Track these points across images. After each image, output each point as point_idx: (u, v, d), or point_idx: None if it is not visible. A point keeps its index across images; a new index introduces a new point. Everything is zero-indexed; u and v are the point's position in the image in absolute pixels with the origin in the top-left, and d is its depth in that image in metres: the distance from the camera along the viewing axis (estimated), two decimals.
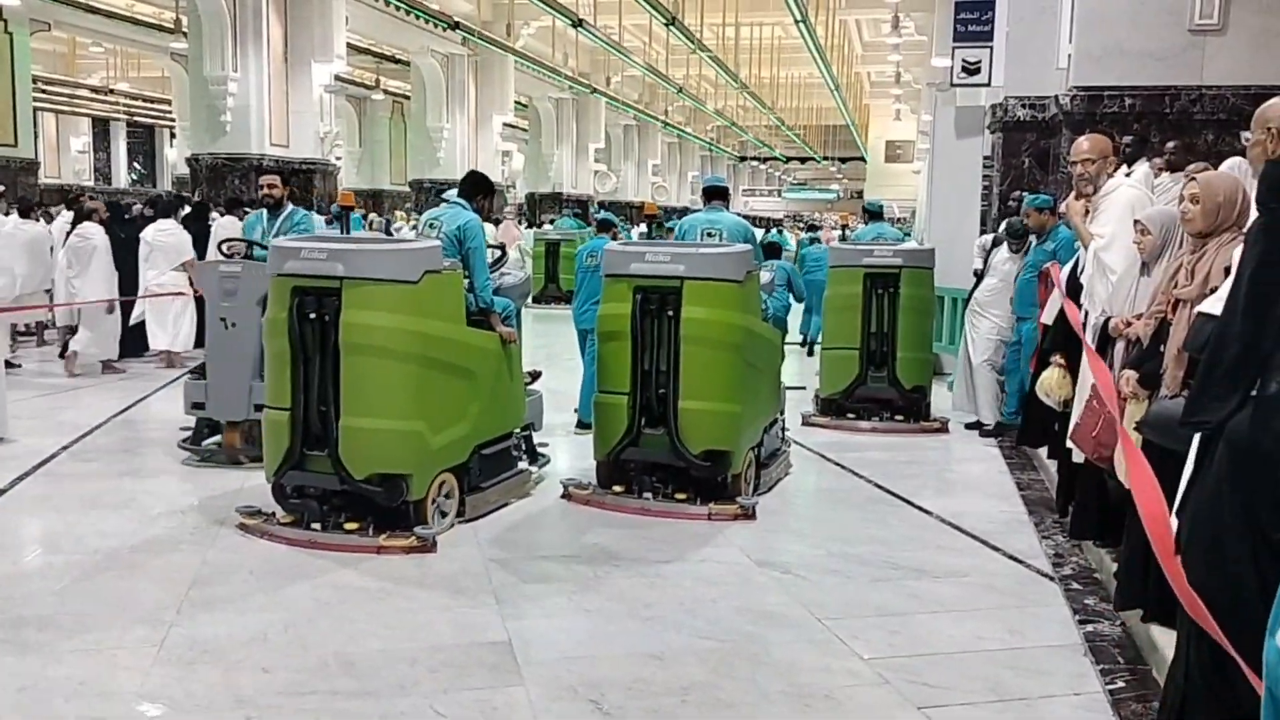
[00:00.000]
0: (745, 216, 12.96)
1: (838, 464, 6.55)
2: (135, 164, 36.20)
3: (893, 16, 22.62)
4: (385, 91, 28.35)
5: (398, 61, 25.26)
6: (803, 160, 51.06)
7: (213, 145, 17.21)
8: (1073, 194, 4.93)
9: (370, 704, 3.18)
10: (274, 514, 4.85)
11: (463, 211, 5.44)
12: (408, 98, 26.50)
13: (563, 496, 5.51)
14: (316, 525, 4.74)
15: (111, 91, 29.91)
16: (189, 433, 6.38)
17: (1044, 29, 9.62)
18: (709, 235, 6.32)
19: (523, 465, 5.64)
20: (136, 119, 33.34)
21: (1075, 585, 4.36)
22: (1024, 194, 8.72)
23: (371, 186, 29.72)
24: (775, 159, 50.67)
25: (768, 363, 5.90)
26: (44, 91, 25.82)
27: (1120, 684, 3.42)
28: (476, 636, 3.71)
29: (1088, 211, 4.72)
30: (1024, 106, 9.66)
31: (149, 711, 3.14)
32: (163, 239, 9.66)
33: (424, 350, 4.67)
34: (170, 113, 28.49)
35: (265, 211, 6.74)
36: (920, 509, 5.58)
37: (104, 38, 23.81)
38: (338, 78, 19.25)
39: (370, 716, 3.10)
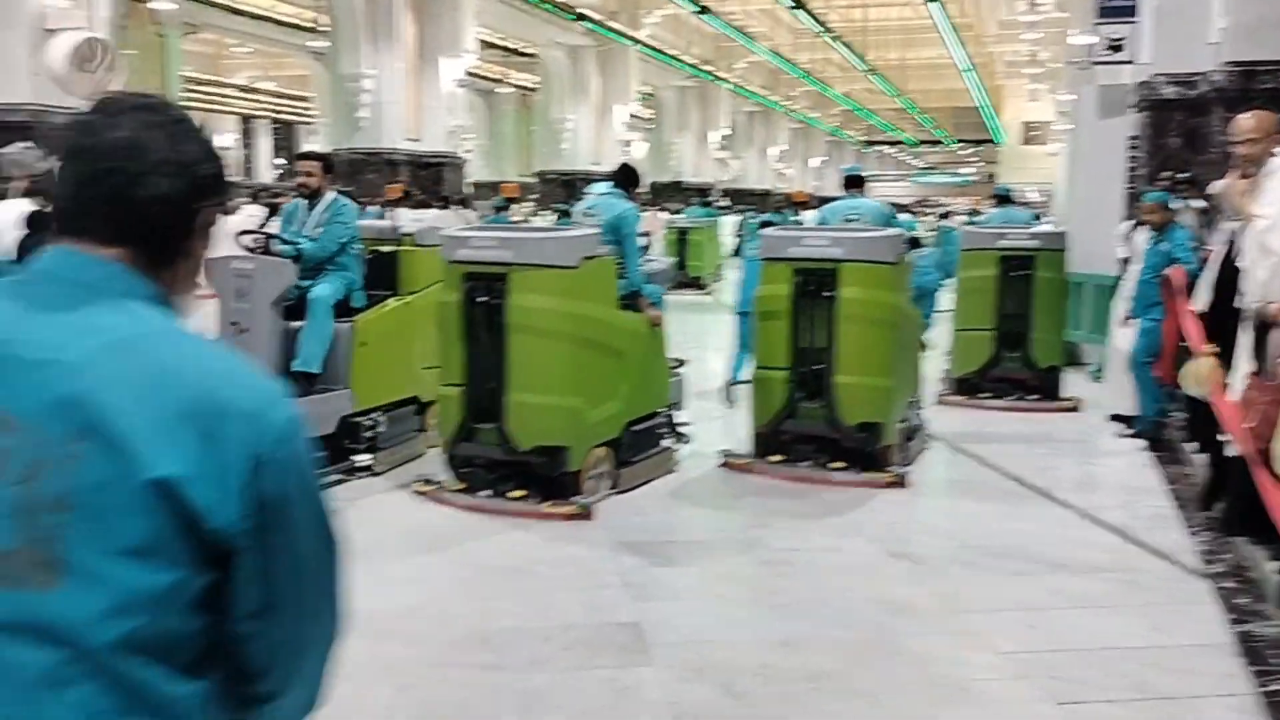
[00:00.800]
0: None
1: (973, 455, 6.39)
2: (277, 160, 37.79)
3: None
4: (511, 85, 28.89)
5: (524, 55, 25.69)
6: (932, 144, 49.84)
7: (350, 140, 17.84)
8: (1232, 174, 4.68)
9: (506, 677, 3.27)
10: (443, 483, 5.14)
11: (618, 201, 5.70)
12: (533, 90, 26.95)
13: (721, 465, 5.78)
14: (486, 492, 5.02)
15: (256, 90, 31.31)
16: None
17: (1193, 2, 9.13)
18: (849, 221, 6.60)
19: (667, 443, 5.79)
20: (280, 116, 34.81)
21: (1227, 583, 4.16)
22: (1173, 175, 8.32)
23: (497, 178, 30.34)
24: (903, 143, 49.59)
25: (913, 341, 6.19)
26: (193, 91, 27.22)
27: (1277, 686, 3.25)
28: (606, 617, 3.78)
29: (1248, 192, 4.47)
30: (1172, 84, 9.18)
31: None
32: None
33: (582, 331, 4.97)
34: (310, 109, 29.69)
35: (303, 201, 5.76)
36: (1059, 502, 5.40)
37: (248, 38, 24.93)
38: (467, 72, 19.70)
39: (507, 689, 3.19)
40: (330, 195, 5.68)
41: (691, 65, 26.76)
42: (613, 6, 24.30)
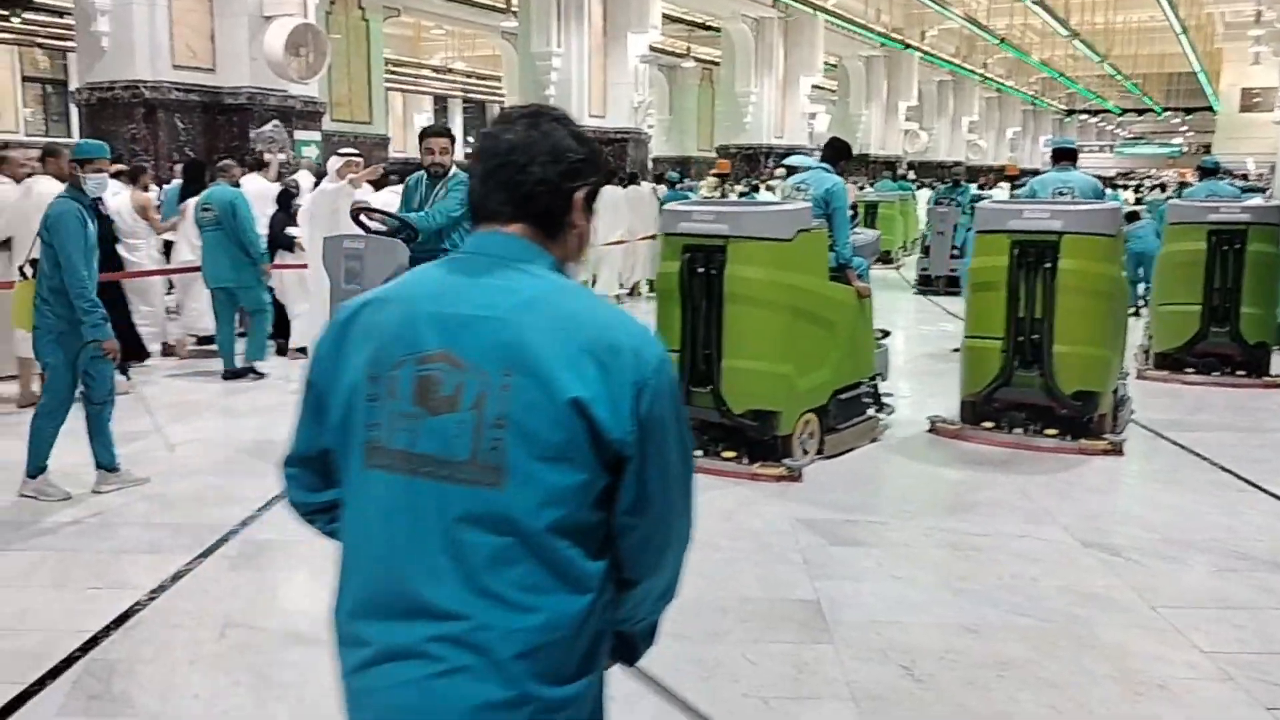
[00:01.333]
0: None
1: (1175, 440, 6.03)
2: (469, 139, 39.21)
3: None
4: (695, 59, 28.86)
5: (708, 28, 25.62)
6: (1139, 112, 46.69)
7: None
8: None
9: (686, 646, 3.33)
10: None
11: (827, 175, 5.95)
12: (717, 64, 26.84)
13: (929, 430, 6.01)
14: (698, 452, 5.14)
15: (450, 71, 32.50)
16: None
17: None
18: (1060, 194, 6.77)
19: (872, 412, 5.93)
20: (470, 95, 36.03)
21: None
22: None
23: (679, 153, 30.43)
24: (1108, 111, 46.68)
25: (1124, 312, 6.27)
26: (393, 73, 28.48)
27: None
28: (785, 593, 3.79)
29: None
30: None
31: None
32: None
33: (795, 302, 5.20)
34: (500, 88, 30.60)
35: (424, 175, 5.52)
36: (1269, 493, 5.04)
37: (445, 20, 25.88)
38: (651, 48, 19.82)
39: (686, 658, 3.25)
40: (452, 171, 5.52)
41: (880, 34, 26.00)
42: None
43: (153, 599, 3.70)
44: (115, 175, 8.44)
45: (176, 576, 3.90)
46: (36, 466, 4.75)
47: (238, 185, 8.10)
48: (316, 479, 1.50)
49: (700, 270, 5.17)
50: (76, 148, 4.99)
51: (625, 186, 13.75)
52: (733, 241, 5.10)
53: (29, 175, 7.25)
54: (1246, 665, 3.23)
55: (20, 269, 5.21)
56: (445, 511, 1.32)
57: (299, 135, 11.96)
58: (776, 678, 3.16)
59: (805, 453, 5.28)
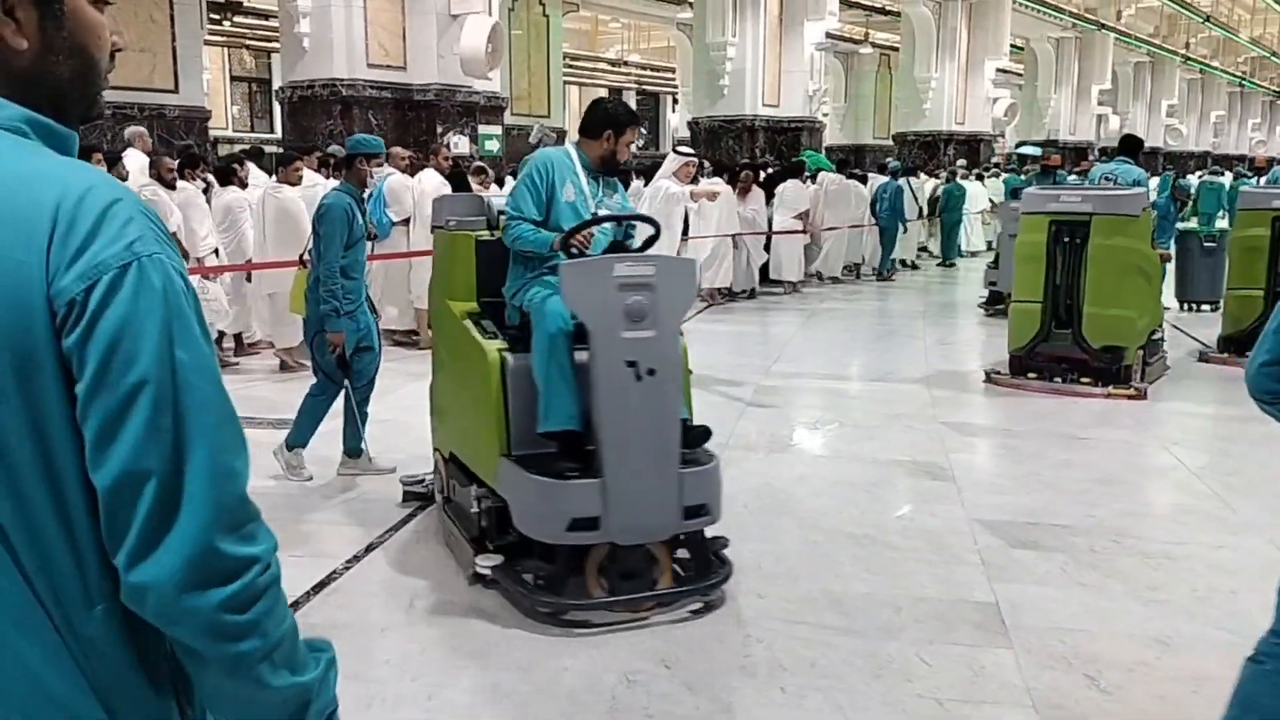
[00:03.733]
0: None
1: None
2: (641, 130, 39.62)
3: None
4: (873, 44, 28.23)
5: (888, 13, 25.01)
6: None
7: (711, 109, 18.33)
8: None
9: (858, 642, 3.31)
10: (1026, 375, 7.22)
11: (1131, 167, 8.20)
12: (896, 49, 26.17)
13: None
14: (1058, 380, 7.07)
15: (625, 63, 32.93)
16: None
17: None
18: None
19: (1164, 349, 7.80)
20: (644, 87, 36.39)
21: None
22: None
23: (855, 141, 29.85)
24: None
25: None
26: (570, 67, 29.08)
27: None
28: (962, 594, 3.70)
29: None
30: None
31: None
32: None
33: (1137, 262, 6.93)
34: (671, 80, 30.79)
35: (578, 164, 3.89)
36: None
37: (622, 13, 26.23)
38: (828, 34, 19.52)
39: (858, 654, 3.23)
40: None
41: (1072, 14, 24.75)
42: None
43: (349, 568, 3.94)
44: (320, 168, 9.04)
45: (370, 548, 4.14)
46: (298, 440, 4.97)
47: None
48: None
49: (1066, 239, 6.86)
50: (354, 143, 5.11)
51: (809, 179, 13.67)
52: (1096, 218, 6.75)
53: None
54: None
55: (300, 257, 5.66)
56: None
57: (482, 129, 12.39)
58: (952, 680, 3.09)
59: (1143, 379, 7.04)
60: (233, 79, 28.00)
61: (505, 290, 3.91)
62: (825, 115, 22.84)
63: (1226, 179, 18.65)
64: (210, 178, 8.51)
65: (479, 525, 3.73)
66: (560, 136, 16.57)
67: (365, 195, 5.12)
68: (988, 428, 6.43)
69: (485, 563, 3.63)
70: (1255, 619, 3.49)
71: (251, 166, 9.02)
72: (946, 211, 17.18)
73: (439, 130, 11.76)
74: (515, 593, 3.53)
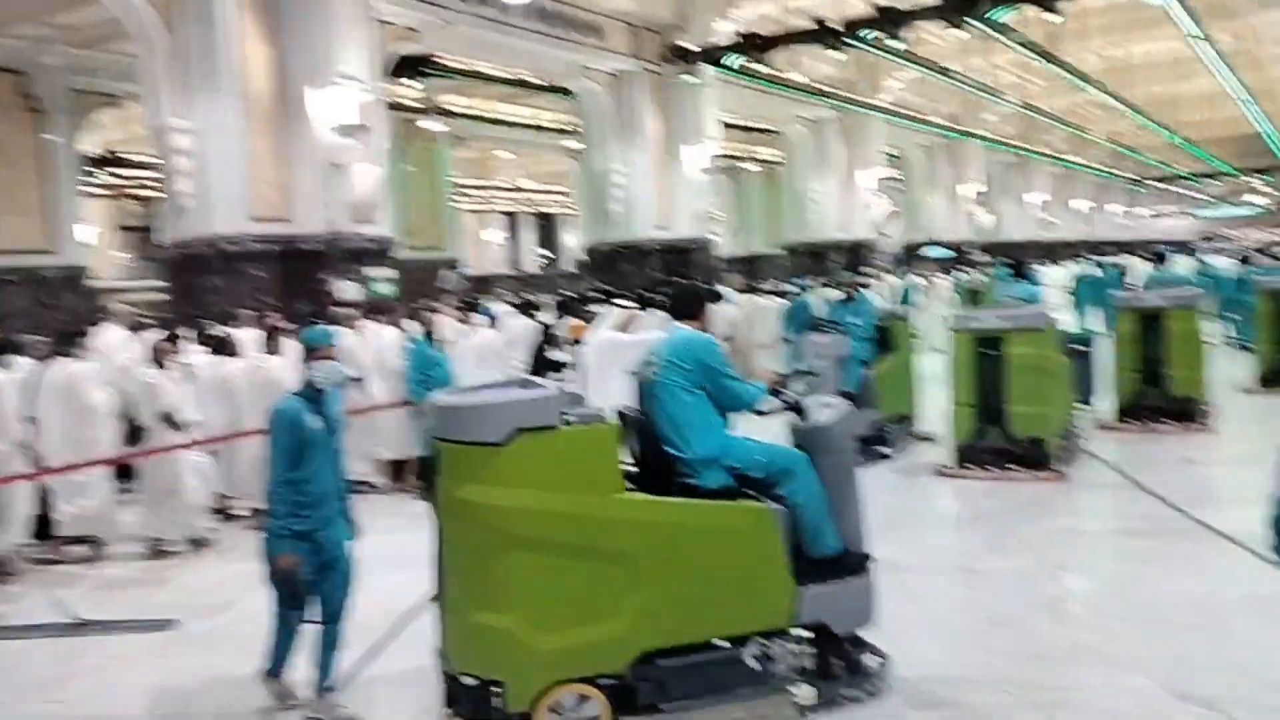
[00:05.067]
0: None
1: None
2: (542, 250, 40.05)
3: None
4: (755, 160, 29.25)
5: (767, 131, 26.00)
6: (1213, 176, 45.77)
7: (604, 234, 18.64)
8: None
9: None
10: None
11: (1027, 285, 11.09)
12: (779, 164, 27.15)
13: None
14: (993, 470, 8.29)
15: (519, 188, 33.48)
16: None
17: None
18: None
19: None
20: (540, 210, 37.01)
21: None
22: None
23: (746, 252, 30.65)
24: (1182, 178, 45.88)
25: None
26: (462, 193, 29.41)
27: None
28: None
29: None
30: None
31: None
32: None
33: (1050, 364, 8.35)
34: (569, 201, 31.38)
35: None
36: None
37: (509, 145, 26.76)
38: (714, 155, 20.15)
39: None
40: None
41: (939, 125, 26.09)
42: (852, 75, 24.23)
43: None
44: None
45: None
46: (273, 669, 4.43)
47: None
48: None
49: (987, 351, 8.34)
50: (301, 335, 4.69)
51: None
52: (1009, 333, 8.31)
53: None
54: None
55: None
56: None
57: (371, 271, 12.31)
58: None
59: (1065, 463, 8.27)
60: (121, 229, 27.65)
61: (698, 453, 4.08)
62: (716, 233, 23.48)
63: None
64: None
65: (790, 668, 4.03)
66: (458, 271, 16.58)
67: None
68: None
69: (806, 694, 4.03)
70: None
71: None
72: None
73: (324, 278, 11.68)
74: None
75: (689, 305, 4.47)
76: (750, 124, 25.33)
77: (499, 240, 36.99)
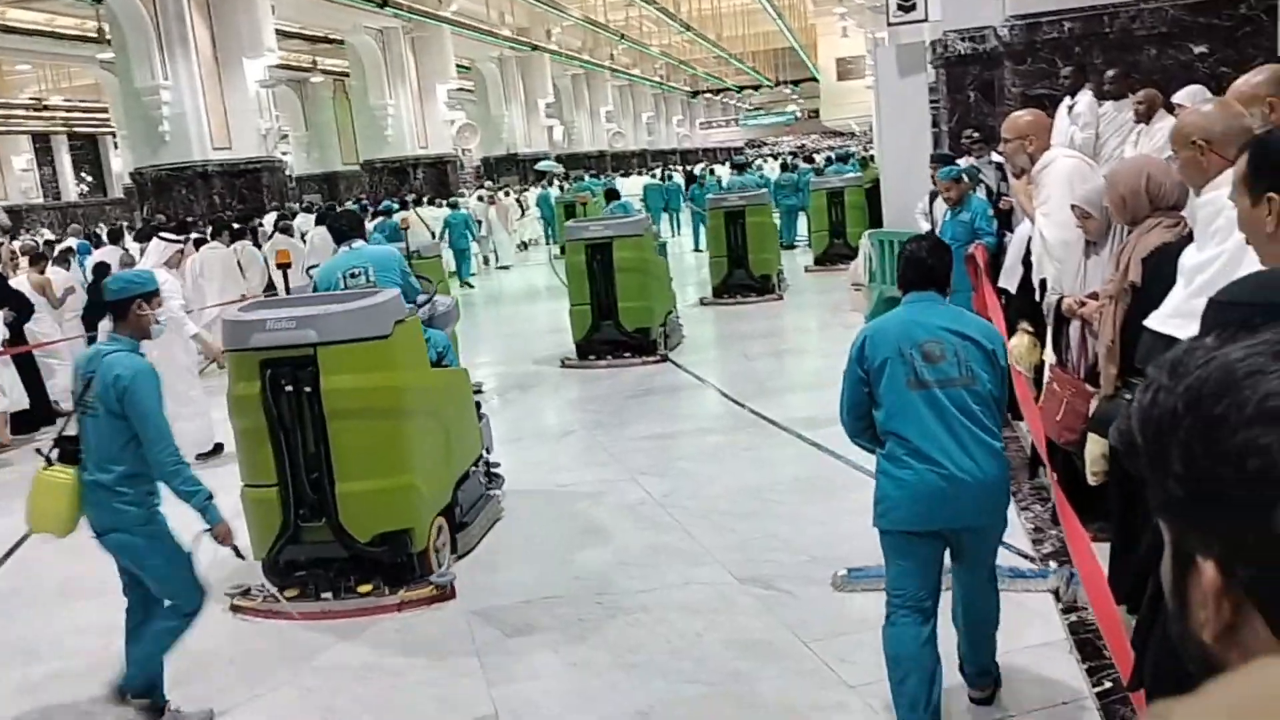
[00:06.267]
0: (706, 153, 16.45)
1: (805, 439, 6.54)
2: (82, 175, 35.52)
3: None
4: (324, 72, 27.78)
5: (333, 41, 24.72)
6: (756, 88, 50.48)
7: (154, 157, 16.87)
8: (1012, 174, 4.88)
9: None
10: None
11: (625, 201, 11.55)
12: (348, 75, 25.99)
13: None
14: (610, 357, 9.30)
15: (47, 106, 29.25)
16: None
17: None
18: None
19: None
20: (76, 130, 32.66)
21: (1056, 564, 4.34)
22: (974, 132, 8.63)
23: (323, 170, 29.26)
24: (729, 89, 50.08)
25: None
26: None
27: (1110, 684, 3.39)
28: (463, 712, 3.71)
29: (1027, 189, 4.66)
30: (964, 40, 9.48)
31: None
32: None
33: (649, 269, 9.60)
34: (109, 121, 27.94)
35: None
36: None
37: (28, 56, 23.20)
38: (272, 67, 18.82)
39: None
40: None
41: (507, 38, 26.24)
42: None
43: None
44: None
45: None
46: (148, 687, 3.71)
47: None
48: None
49: (598, 257, 9.38)
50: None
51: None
52: (617, 239, 9.37)
53: None
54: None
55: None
56: None
57: None
58: None
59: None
60: None
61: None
62: (286, 153, 22.13)
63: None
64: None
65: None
66: None
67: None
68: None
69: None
70: (721, 660, 3.91)
71: None
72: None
73: None
74: None
75: (357, 225, 5.93)
76: (311, 32, 23.93)
77: (23, 166, 32.26)
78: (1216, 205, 2.45)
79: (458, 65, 26.21)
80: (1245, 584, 0.58)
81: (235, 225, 12.24)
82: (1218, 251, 2.44)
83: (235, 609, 4.65)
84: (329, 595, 4.62)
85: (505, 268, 19.58)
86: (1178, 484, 0.61)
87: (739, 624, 4.17)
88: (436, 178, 24.45)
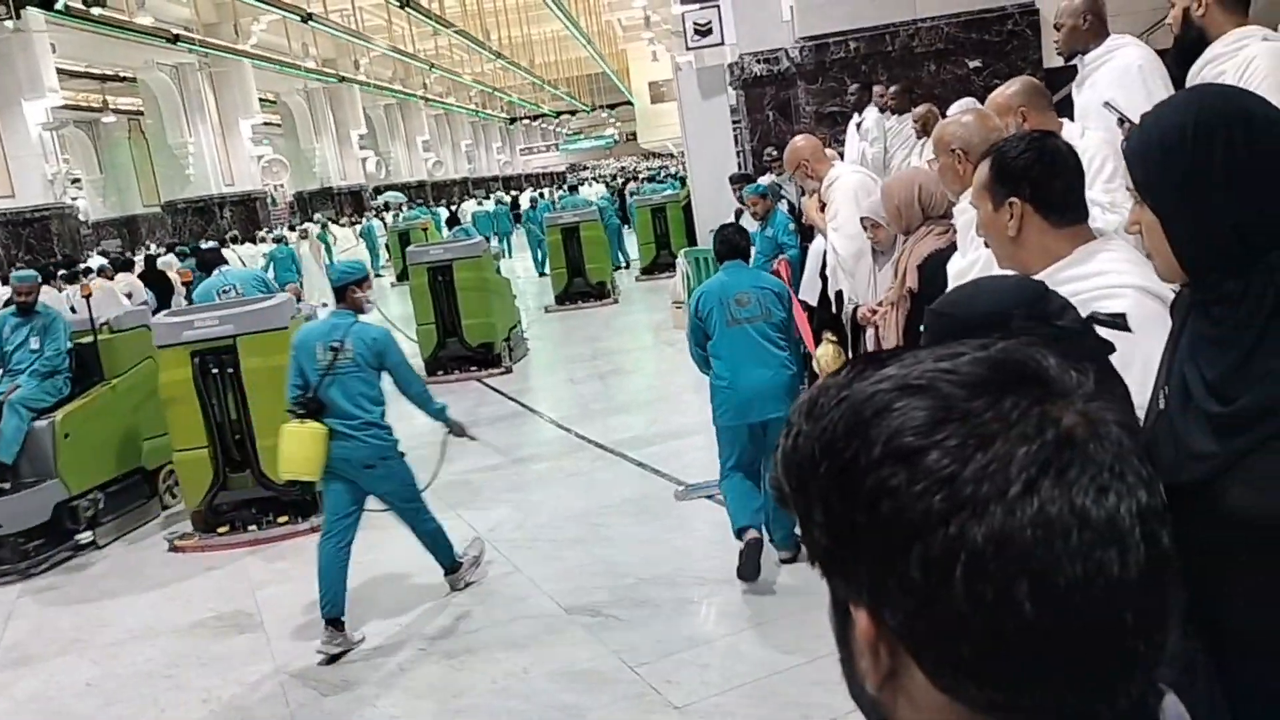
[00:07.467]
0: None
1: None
2: None
3: None
4: (117, 111, 26.29)
5: (125, 79, 23.45)
6: (572, 113, 50.87)
7: None
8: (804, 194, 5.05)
9: None
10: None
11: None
12: (142, 114, 24.69)
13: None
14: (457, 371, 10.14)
15: None
16: None
17: None
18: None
19: None
20: None
21: None
22: (774, 150, 8.92)
23: (122, 214, 27.70)
24: (546, 115, 50.27)
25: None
26: None
27: None
28: None
29: (823, 205, 4.82)
30: (759, 62, 9.81)
31: None
32: None
33: (491, 287, 10.32)
34: None
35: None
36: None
37: None
38: (56, 110, 17.67)
39: None
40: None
41: (311, 71, 25.52)
42: (212, 18, 22.69)
43: None
44: None
45: None
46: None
47: None
48: None
49: (441, 278, 10.02)
50: None
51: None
52: (458, 261, 10.04)
53: None
54: (714, 711, 3.54)
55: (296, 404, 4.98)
56: None
57: None
58: None
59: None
60: None
61: None
62: (75, 197, 20.78)
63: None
64: None
65: None
66: None
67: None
68: None
69: None
70: (549, 694, 3.85)
71: None
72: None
73: None
74: None
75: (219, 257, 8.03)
76: (98, 71, 22.63)
77: None
78: (973, 212, 2.57)
79: (262, 99, 25.31)
80: (895, 630, 0.57)
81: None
82: (976, 256, 2.57)
83: (175, 549, 6.05)
84: (254, 528, 6.08)
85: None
86: (822, 533, 0.59)
87: (567, 655, 4.11)
88: (245, 216, 23.47)
